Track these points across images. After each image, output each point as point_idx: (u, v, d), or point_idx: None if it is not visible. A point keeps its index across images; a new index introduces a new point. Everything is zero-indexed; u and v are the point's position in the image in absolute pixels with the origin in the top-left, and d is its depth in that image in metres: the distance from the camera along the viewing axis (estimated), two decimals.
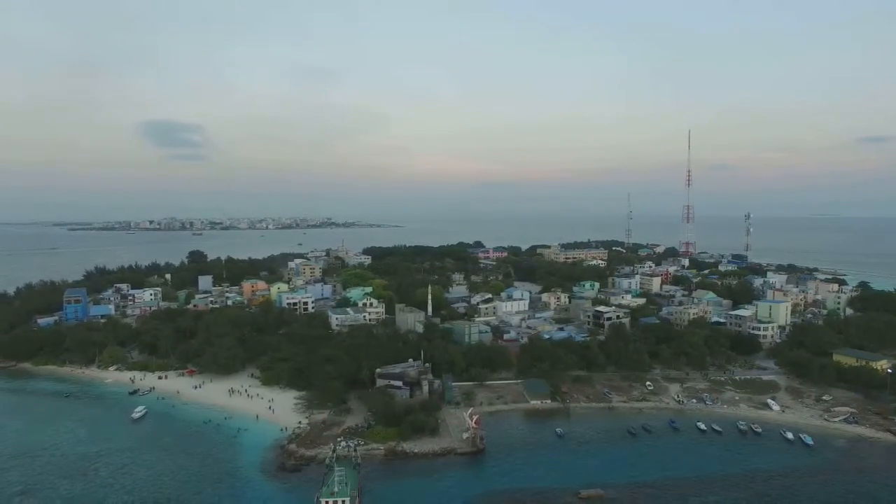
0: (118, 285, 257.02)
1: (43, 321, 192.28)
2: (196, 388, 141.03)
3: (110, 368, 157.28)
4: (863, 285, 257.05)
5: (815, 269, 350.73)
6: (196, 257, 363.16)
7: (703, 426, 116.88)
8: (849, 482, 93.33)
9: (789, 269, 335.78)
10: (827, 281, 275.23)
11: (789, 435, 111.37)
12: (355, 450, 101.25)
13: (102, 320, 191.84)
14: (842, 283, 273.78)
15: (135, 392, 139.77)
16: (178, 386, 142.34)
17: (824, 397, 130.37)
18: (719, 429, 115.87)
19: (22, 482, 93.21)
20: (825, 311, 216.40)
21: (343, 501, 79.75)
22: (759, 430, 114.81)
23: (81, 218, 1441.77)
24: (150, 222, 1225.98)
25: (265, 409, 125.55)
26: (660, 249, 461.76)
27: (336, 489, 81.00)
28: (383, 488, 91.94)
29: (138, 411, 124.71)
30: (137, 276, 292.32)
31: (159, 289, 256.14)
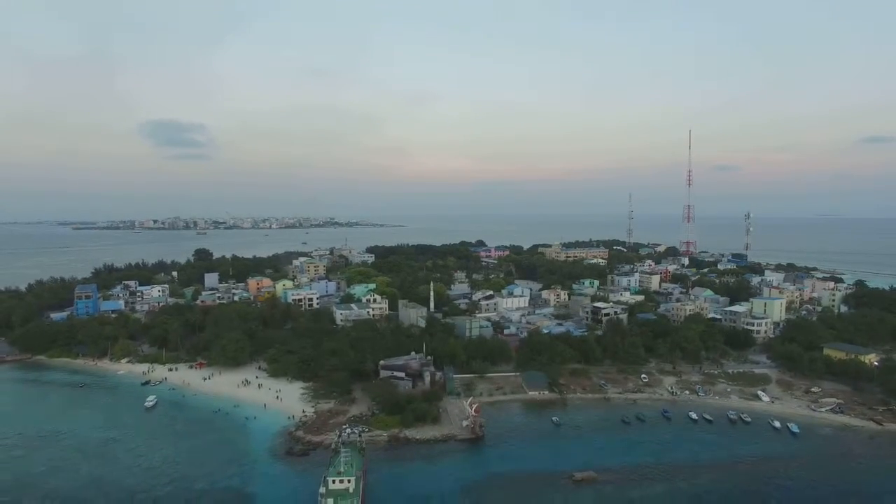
0: (126, 282, 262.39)
1: (56, 316, 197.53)
2: (205, 379, 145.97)
3: (122, 361, 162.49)
4: (858, 283, 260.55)
5: (814, 269, 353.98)
6: (202, 255, 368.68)
7: (694, 416, 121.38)
8: (831, 467, 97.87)
9: (788, 268, 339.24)
10: (824, 279, 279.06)
11: (777, 424, 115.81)
12: (360, 436, 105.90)
13: (113, 315, 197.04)
14: (838, 281, 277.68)
15: (147, 383, 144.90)
16: (188, 377, 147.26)
17: (813, 389, 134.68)
18: (710, 418, 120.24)
19: (47, 463, 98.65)
20: (820, 308, 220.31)
21: (349, 480, 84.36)
22: (749, 419, 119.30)
23: (85, 217, 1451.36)
24: (154, 221, 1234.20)
25: (273, 398, 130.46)
26: (661, 249, 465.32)
27: (342, 469, 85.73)
28: (386, 471, 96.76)
29: (150, 400, 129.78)
30: (145, 274, 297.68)
31: (166, 285, 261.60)
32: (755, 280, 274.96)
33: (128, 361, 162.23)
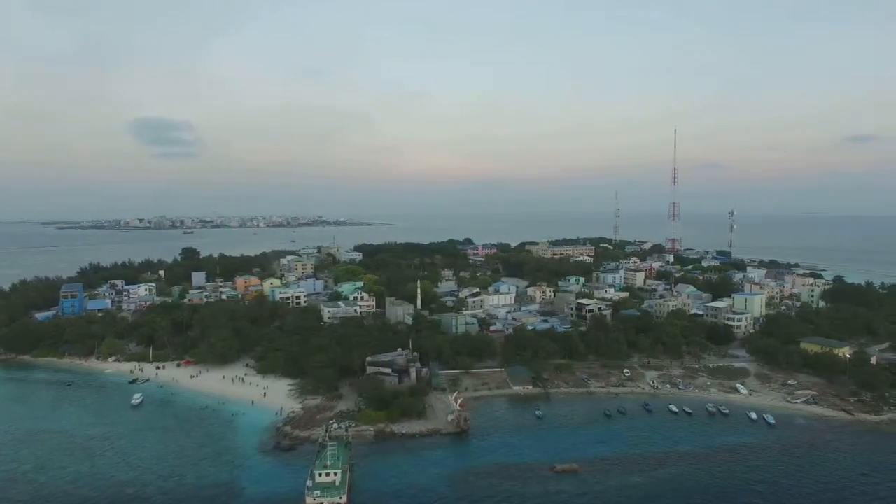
0: (112, 281, 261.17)
1: (41, 315, 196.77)
2: (193, 377, 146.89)
3: (109, 360, 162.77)
4: (837, 279, 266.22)
5: (796, 265, 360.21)
6: (189, 254, 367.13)
7: (674, 408, 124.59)
8: (802, 454, 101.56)
9: (770, 265, 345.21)
10: (804, 276, 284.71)
11: (753, 415, 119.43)
12: (346, 430, 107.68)
13: (100, 314, 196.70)
14: (818, 277, 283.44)
15: (134, 381, 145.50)
16: (176, 375, 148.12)
17: (789, 382, 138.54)
18: (690, 410, 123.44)
19: (33, 461, 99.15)
20: (799, 304, 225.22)
21: (335, 473, 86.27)
22: (727, 411, 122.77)
23: (69, 216, 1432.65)
24: (140, 220, 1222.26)
25: (260, 395, 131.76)
26: (647, 246, 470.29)
27: (329, 462, 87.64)
28: (373, 464, 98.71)
29: (136, 398, 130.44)
30: (131, 273, 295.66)
31: (153, 284, 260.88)
32: (737, 276, 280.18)
33: (115, 360, 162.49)
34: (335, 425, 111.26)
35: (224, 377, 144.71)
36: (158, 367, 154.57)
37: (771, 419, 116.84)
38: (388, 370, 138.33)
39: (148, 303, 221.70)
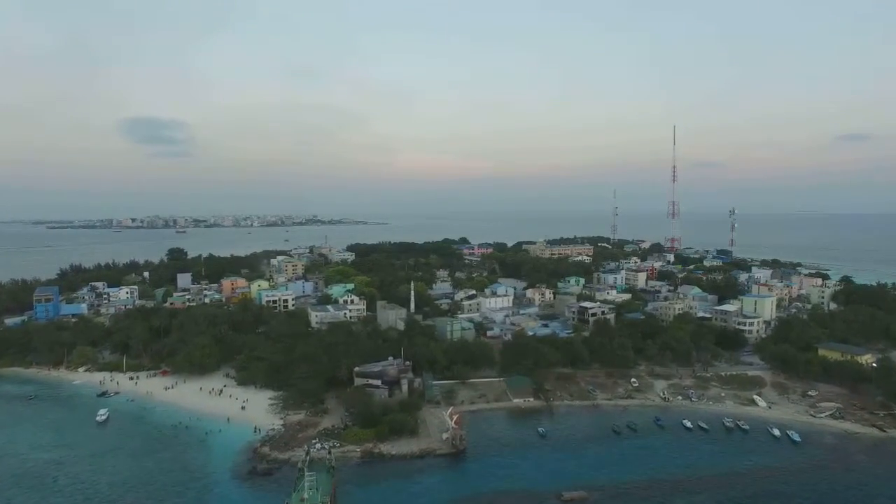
0: (93, 283, 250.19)
1: (11, 321, 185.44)
2: (168, 388, 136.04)
3: (80, 369, 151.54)
4: (845, 280, 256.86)
5: (799, 264, 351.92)
6: (175, 255, 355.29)
7: (688, 424, 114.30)
8: (836, 479, 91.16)
9: (773, 265, 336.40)
10: (811, 276, 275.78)
11: (776, 432, 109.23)
12: (330, 452, 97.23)
13: (73, 319, 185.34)
14: (825, 277, 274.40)
15: (104, 394, 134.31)
16: (150, 387, 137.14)
17: (810, 392, 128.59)
18: (705, 426, 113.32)
19: None
20: (809, 306, 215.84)
21: None
22: (746, 427, 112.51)
23: (61, 216, 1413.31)
24: (133, 220, 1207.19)
25: (238, 410, 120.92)
26: (646, 245, 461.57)
27: (306, 495, 77.08)
28: (358, 492, 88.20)
29: (101, 414, 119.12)
30: (115, 274, 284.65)
31: (136, 287, 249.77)
32: (742, 277, 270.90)
33: (86, 370, 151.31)
34: (318, 446, 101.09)
35: (201, 389, 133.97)
36: (131, 378, 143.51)
37: (796, 436, 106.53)
38: (378, 381, 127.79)
39: (128, 306, 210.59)
